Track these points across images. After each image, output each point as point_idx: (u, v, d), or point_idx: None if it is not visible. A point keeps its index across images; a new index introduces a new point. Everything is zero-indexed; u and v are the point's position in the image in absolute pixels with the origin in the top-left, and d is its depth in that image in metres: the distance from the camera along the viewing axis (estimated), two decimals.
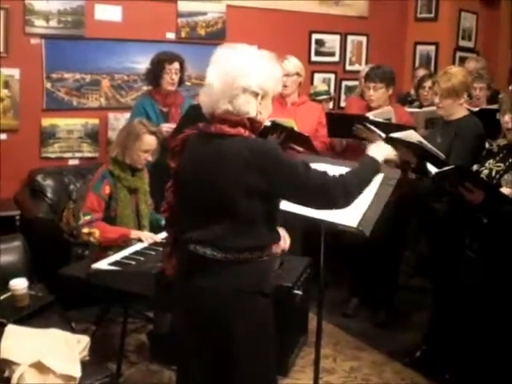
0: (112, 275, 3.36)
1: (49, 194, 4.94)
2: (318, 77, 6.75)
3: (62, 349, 2.85)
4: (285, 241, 3.42)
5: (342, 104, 6.83)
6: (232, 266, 2.40)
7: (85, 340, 3.00)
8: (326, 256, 3.16)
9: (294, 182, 2.38)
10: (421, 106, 5.33)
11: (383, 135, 3.79)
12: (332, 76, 6.92)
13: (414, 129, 3.84)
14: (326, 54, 6.85)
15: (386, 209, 2.84)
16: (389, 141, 3.75)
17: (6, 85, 4.98)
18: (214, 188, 2.37)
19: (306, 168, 2.41)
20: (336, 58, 6.94)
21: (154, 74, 4.82)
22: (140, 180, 4.08)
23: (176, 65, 4.80)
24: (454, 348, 3.68)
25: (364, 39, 7.08)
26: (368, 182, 2.55)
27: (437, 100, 3.86)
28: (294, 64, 4.57)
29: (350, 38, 6.98)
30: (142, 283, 3.19)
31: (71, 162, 5.40)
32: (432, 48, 7.22)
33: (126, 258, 3.54)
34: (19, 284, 3.28)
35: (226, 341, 2.42)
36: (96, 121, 5.46)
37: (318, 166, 2.53)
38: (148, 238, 3.82)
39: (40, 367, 2.71)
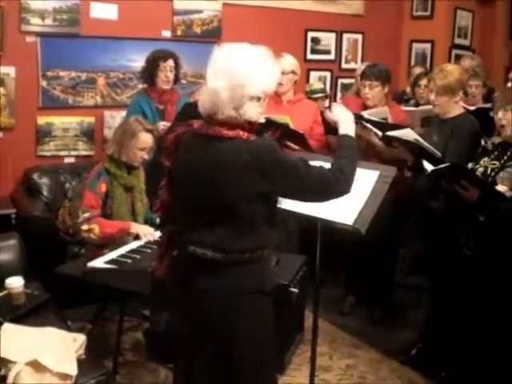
0: (108, 273, 3.36)
1: (45, 193, 4.93)
2: (313, 75, 6.75)
3: (58, 347, 2.85)
4: None
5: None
6: (232, 267, 2.40)
7: (81, 338, 3.00)
8: (322, 254, 3.16)
9: (295, 180, 2.39)
10: (417, 105, 5.33)
11: (380, 133, 3.81)
12: (328, 74, 6.92)
13: (410, 127, 3.85)
14: (322, 51, 6.85)
15: (383, 207, 2.84)
16: (386, 139, 3.78)
17: (2, 83, 4.96)
18: (215, 191, 2.36)
19: (306, 164, 2.42)
20: (332, 56, 6.94)
21: (149, 72, 4.82)
22: (136, 178, 4.07)
23: (170, 62, 4.80)
24: (450, 346, 3.69)
25: (360, 37, 7.08)
26: (355, 159, 2.56)
27: (432, 97, 3.86)
28: (289, 62, 4.56)
29: (345, 36, 6.98)
30: (138, 281, 3.19)
31: (67, 160, 5.40)
32: (428, 46, 7.23)
33: (121, 256, 3.53)
34: (15, 282, 3.28)
35: (227, 341, 2.43)
36: (92, 119, 5.45)
37: (312, 163, 2.53)
38: (146, 233, 3.82)
39: (36, 365, 2.70)
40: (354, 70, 6.31)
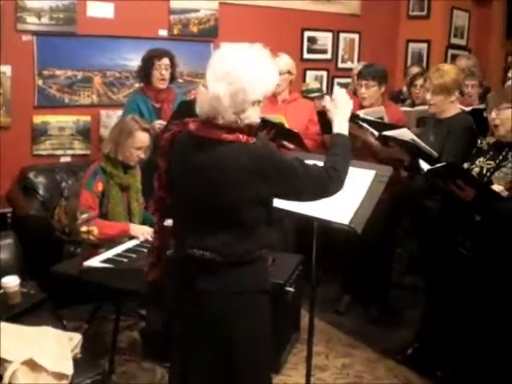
0: (104, 273, 3.36)
1: (40, 192, 4.93)
2: (310, 74, 6.76)
3: (54, 346, 2.85)
4: None
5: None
6: (233, 268, 2.40)
7: (77, 337, 3.00)
8: (318, 253, 3.16)
9: (294, 183, 2.39)
10: (413, 105, 5.34)
11: (376, 133, 3.81)
12: (324, 73, 6.92)
13: (407, 127, 3.85)
14: (319, 51, 6.85)
15: (379, 206, 2.84)
16: (382, 138, 3.78)
17: None
18: (215, 195, 2.34)
19: (302, 164, 2.42)
20: (328, 56, 6.94)
21: (145, 71, 4.82)
22: (132, 177, 4.06)
23: (165, 60, 4.80)
24: (446, 345, 3.69)
25: (356, 37, 7.09)
26: (348, 157, 2.57)
27: (428, 96, 3.86)
28: (285, 62, 4.56)
29: (342, 35, 6.98)
30: (134, 280, 3.18)
31: (63, 160, 5.39)
32: (424, 46, 7.24)
33: (118, 255, 3.53)
34: (11, 282, 3.27)
35: (226, 341, 2.43)
36: (88, 118, 5.45)
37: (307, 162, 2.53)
38: (145, 233, 3.81)
39: (32, 365, 2.70)
40: (350, 70, 6.32)
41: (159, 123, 4.56)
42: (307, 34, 6.71)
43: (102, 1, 5.35)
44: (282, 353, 3.99)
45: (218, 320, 2.42)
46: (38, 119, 5.23)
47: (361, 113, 4.13)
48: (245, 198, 2.33)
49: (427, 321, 4.00)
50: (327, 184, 2.45)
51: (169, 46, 5.16)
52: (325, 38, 6.86)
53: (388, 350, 4.23)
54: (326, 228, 3.06)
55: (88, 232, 3.79)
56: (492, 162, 3.37)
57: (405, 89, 6.02)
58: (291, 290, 3.83)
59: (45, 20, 5.09)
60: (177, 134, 2.48)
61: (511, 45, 7.19)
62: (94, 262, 3.43)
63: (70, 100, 5.35)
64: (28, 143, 5.22)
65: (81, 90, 5.39)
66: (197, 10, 5.89)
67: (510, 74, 5.37)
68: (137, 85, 5.28)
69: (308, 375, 3.27)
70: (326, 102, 2.79)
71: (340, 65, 7.04)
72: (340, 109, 2.69)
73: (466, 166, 3.49)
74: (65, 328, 3.28)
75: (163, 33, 5.73)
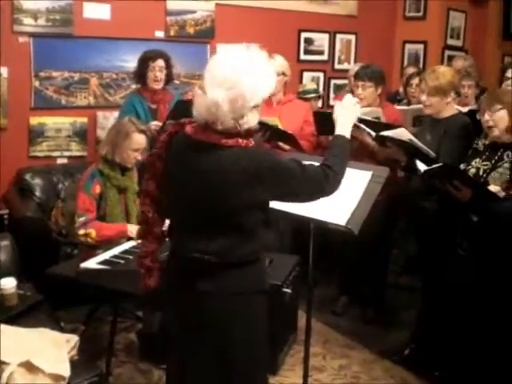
0: (101, 274, 3.35)
1: (37, 193, 4.91)
2: (306, 75, 6.75)
3: (51, 348, 2.84)
4: None
5: (332, 103, 6.83)
6: (231, 269, 2.39)
7: (74, 339, 2.99)
8: (315, 254, 3.17)
9: (291, 184, 2.39)
10: (409, 104, 5.34)
11: (373, 133, 3.80)
12: (321, 74, 6.92)
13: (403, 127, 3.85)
14: (315, 52, 6.85)
15: (376, 208, 2.85)
16: (379, 139, 3.78)
17: None
18: (215, 199, 2.34)
19: (300, 165, 2.42)
20: (325, 57, 6.94)
21: (140, 72, 4.83)
22: (129, 179, 4.06)
23: (160, 62, 4.81)
24: (443, 346, 3.69)
25: (353, 38, 7.08)
26: (346, 159, 2.57)
27: (423, 98, 3.86)
28: (279, 63, 4.55)
29: (338, 36, 6.98)
30: (131, 282, 3.17)
31: (59, 161, 5.38)
32: (420, 47, 7.24)
33: (114, 256, 3.52)
34: (7, 283, 3.26)
35: (223, 342, 2.43)
36: (84, 119, 5.44)
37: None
38: None
39: (29, 367, 2.69)
40: (347, 71, 6.31)
41: (155, 124, 4.57)
42: (304, 35, 6.71)
43: (98, 2, 5.35)
44: (279, 354, 3.99)
45: (216, 321, 2.42)
46: (34, 120, 5.22)
47: None
48: (245, 202, 2.33)
49: (424, 321, 4.00)
50: (323, 184, 2.46)
51: (165, 47, 5.17)
52: (321, 39, 6.85)
53: (385, 350, 4.23)
54: (323, 229, 3.06)
55: (86, 235, 3.80)
56: (488, 163, 3.37)
57: (401, 89, 6.02)
58: (288, 291, 3.83)
59: (41, 21, 5.09)
60: (173, 134, 2.47)
61: (508, 45, 7.19)
62: (91, 263, 3.42)
63: (66, 101, 5.35)
64: (24, 145, 5.21)
65: (77, 92, 5.38)
66: (193, 12, 5.89)
67: (508, 74, 5.37)
68: (133, 86, 5.28)
69: (305, 376, 3.27)
70: (335, 104, 2.80)
71: (337, 66, 7.03)
72: (346, 111, 2.71)
73: (462, 167, 3.49)
74: (62, 330, 3.27)
75: (160, 34, 5.72)
